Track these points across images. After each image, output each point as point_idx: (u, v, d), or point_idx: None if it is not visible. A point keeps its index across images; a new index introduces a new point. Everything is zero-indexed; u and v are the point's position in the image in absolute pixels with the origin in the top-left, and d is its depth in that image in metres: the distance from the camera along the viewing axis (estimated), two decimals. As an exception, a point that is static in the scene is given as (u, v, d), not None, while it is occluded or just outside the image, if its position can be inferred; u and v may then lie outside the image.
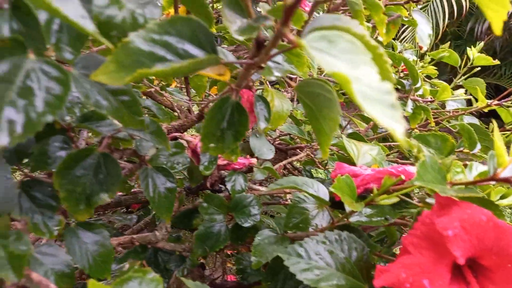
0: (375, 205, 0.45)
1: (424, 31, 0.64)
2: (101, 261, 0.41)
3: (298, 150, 1.18)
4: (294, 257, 0.38)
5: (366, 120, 1.01)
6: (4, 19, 0.27)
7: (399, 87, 0.95)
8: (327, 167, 0.98)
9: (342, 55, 0.18)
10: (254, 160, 0.59)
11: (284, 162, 0.74)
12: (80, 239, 0.40)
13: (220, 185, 0.81)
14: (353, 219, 0.45)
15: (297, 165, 1.28)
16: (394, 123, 0.16)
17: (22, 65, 0.24)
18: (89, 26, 0.21)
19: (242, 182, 0.58)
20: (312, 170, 1.18)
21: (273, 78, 0.28)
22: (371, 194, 0.48)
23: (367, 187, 0.47)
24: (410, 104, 0.72)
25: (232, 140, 0.35)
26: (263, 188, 0.68)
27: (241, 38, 0.24)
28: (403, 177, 0.38)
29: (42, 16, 0.28)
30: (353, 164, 0.54)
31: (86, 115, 0.41)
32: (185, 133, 0.64)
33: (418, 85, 0.70)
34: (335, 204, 0.48)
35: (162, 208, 0.46)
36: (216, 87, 1.29)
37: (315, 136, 0.30)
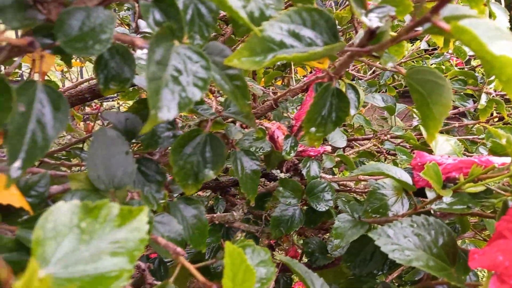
0: (456, 193, 0.46)
1: (502, 24, 0.63)
2: (198, 234, 0.44)
3: (353, 142, 1.19)
4: (384, 238, 0.40)
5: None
6: (148, 10, 0.30)
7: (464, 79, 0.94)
8: (387, 159, 0.98)
9: (494, 41, 0.19)
10: (328, 148, 0.61)
11: (351, 151, 0.75)
12: (181, 212, 0.44)
13: (274, 172, 0.84)
14: (435, 206, 0.46)
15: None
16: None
17: (171, 50, 0.28)
18: (243, 14, 0.24)
19: (316, 169, 0.60)
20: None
21: (390, 64, 0.30)
22: (452, 183, 0.49)
23: (448, 175, 0.48)
24: (483, 97, 0.71)
25: (332, 126, 0.38)
26: (328, 176, 0.69)
27: (374, 25, 0.26)
28: (496, 165, 0.39)
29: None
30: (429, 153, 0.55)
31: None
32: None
33: (492, 77, 0.69)
34: (415, 191, 0.49)
35: (249, 189, 0.49)
36: (263, 79, 1.32)
37: (421, 121, 0.32)
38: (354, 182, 0.63)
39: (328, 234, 0.71)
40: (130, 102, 1.42)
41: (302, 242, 0.68)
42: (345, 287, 0.55)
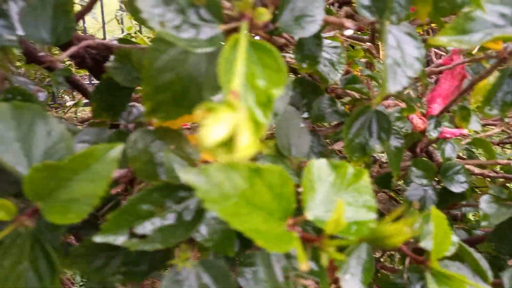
0: None
1: None
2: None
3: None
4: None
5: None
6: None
7: None
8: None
9: None
10: (465, 131, 0.61)
11: (490, 133, 0.73)
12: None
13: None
14: None
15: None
16: None
17: (387, 30, 0.31)
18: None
19: (451, 150, 0.61)
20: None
21: None
22: None
23: None
24: None
25: (507, 106, 0.39)
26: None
27: None
28: None
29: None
30: None
31: (349, 78, 0.48)
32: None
33: None
34: None
35: (393, 164, 0.52)
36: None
37: None
38: (487, 166, 0.63)
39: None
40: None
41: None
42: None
